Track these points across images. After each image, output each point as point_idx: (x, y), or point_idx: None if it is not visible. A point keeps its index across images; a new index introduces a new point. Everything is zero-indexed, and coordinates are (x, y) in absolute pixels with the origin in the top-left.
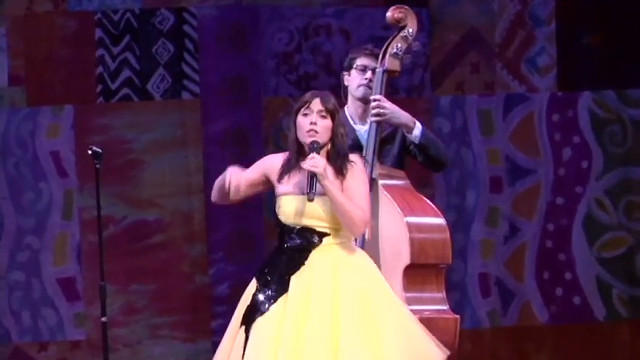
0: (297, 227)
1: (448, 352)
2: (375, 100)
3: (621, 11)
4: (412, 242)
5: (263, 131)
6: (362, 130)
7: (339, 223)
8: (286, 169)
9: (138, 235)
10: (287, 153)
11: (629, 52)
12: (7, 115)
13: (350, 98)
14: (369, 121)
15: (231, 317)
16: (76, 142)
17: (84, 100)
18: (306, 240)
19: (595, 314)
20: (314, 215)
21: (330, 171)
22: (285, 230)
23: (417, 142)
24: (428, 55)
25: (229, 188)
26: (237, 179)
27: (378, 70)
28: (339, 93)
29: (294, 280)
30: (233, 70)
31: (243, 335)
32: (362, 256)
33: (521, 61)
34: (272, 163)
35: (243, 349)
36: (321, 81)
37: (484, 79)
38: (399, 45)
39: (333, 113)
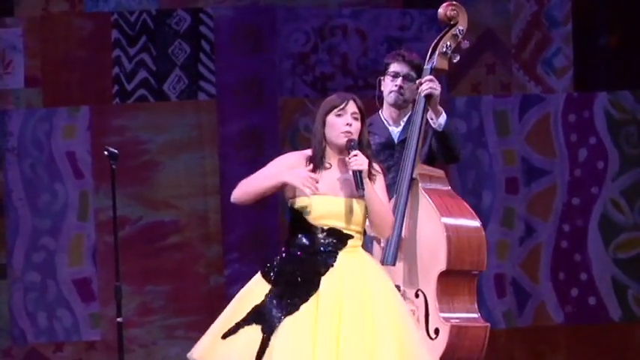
0: (325, 228)
1: None
2: (427, 81)
3: (637, 12)
4: (449, 248)
5: (279, 132)
6: (395, 131)
7: (361, 227)
8: (314, 167)
9: (153, 236)
10: (304, 152)
11: None
12: (23, 116)
13: (385, 103)
14: (402, 123)
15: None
16: (92, 143)
17: (100, 101)
18: (334, 241)
19: (610, 315)
20: (343, 217)
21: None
22: (309, 229)
23: (440, 129)
24: None
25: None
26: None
27: (426, 67)
28: (355, 93)
29: (325, 280)
30: (249, 70)
31: (259, 334)
32: (376, 262)
33: (537, 62)
34: (294, 162)
35: (260, 346)
36: (337, 82)
37: (500, 79)
38: (449, 43)
39: (364, 116)
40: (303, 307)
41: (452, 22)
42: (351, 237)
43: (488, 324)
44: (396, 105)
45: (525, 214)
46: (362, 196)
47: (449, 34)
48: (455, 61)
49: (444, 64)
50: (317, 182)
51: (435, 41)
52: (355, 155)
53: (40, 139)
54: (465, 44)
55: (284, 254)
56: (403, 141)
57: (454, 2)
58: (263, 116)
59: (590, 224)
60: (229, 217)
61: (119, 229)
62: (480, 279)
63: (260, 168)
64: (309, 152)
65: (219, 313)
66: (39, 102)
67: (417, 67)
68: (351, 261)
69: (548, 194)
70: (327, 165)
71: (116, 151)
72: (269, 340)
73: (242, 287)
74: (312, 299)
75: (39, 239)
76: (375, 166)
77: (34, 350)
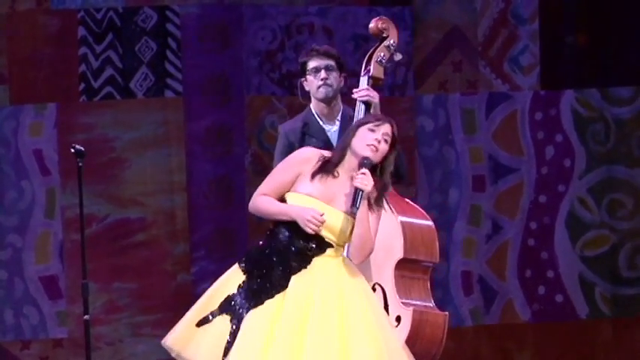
0: (308, 233)
1: None
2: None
3: (604, 10)
4: (405, 237)
5: (246, 129)
6: (332, 129)
7: (343, 242)
8: (322, 170)
9: (120, 233)
10: (321, 152)
11: (612, 51)
12: None
13: (314, 101)
14: (337, 122)
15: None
16: (58, 141)
17: (67, 98)
18: (313, 245)
19: (577, 312)
20: (329, 227)
21: (349, 191)
22: (294, 225)
23: None
24: (411, 54)
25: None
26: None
27: (363, 77)
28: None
29: (295, 279)
30: (216, 68)
31: (228, 324)
32: (358, 271)
33: (504, 59)
34: (307, 159)
35: (229, 336)
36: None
37: (467, 77)
38: (383, 54)
39: (394, 143)
40: (268, 302)
41: (384, 35)
42: (330, 246)
43: (447, 313)
44: (327, 99)
45: (492, 212)
46: (353, 215)
47: (382, 46)
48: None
49: (380, 73)
50: (322, 223)
51: (370, 52)
52: (363, 174)
53: (7, 137)
54: (398, 57)
55: (262, 246)
56: None
57: (383, 17)
58: (230, 114)
59: (557, 222)
60: (196, 214)
61: (86, 227)
62: (447, 276)
63: (227, 165)
64: (327, 153)
65: (186, 311)
66: (5, 99)
67: (334, 56)
68: (326, 265)
69: (515, 192)
70: (336, 173)
71: (83, 148)
72: (238, 331)
73: (209, 285)
74: (278, 296)
75: (5, 237)
76: (385, 200)
77: (0, 348)
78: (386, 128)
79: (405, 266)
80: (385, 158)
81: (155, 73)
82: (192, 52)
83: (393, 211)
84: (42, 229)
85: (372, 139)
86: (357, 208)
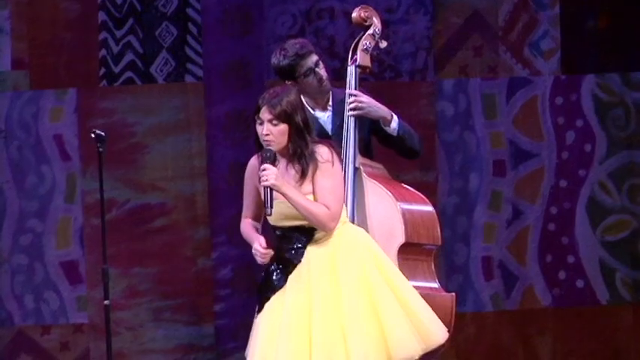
0: (285, 228)
1: (447, 334)
2: (351, 95)
3: None
4: (406, 222)
5: None
6: (324, 116)
7: None
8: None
9: (141, 218)
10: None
11: (633, 36)
12: (10, 98)
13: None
14: (329, 108)
15: (233, 300)
16: (79, 126)
17: (87, 83)
18: (301, 237)
19: (598, 297)
20: (296, 217)
21: (292, 173)
22: (275, 231)
23: (395, 134)
24: (431, 39)
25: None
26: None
27: (350, 66)
28: (343, 76)
29: (292, 277)
30: (236, 53)
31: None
32: (358, 235)
33: (524, 44)
34: (253, 171)
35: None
36: (324, 64)
37: (487, 62)
38: (368, 42)
39: (286, 116)
40: (267, 305)
41: (367, 23)
42: (316, 229)
43: (454, 294)
44: (326, 91)
45: (512, 197)
46: (270, 214)
47: (367, 34)
48: (378, 60)
49: (366, 61)
50: (265, 255)
51: (355, 42)
52: (264, 170)
53: (27, 122)
54: (383, 44)
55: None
56: (337, 132)
57: (365, 6)
58: (250, 99)
59: (578, 207)
60: (217, 199)
61: (106, 212)
62: (468, 261)
63: (247, 150)
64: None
65: (207, 296)
66: (26, 84)
67: (312, 50)
68: (319, 253)
69: (536, 177)
70: (277, 163)
71: (103, 133)
72: None
73: (230, 270)
74: (277, 297)
75: (26, 221)
76: (320, 154)
77: (21, 332)
78: (265, 115)
79: (407, 250)
80: (290, 134)
81: (176, 58)
82: (213, 37)
83: (391, 197)
84: (62, 214)
85: (261, 135)
86: (271, 207)
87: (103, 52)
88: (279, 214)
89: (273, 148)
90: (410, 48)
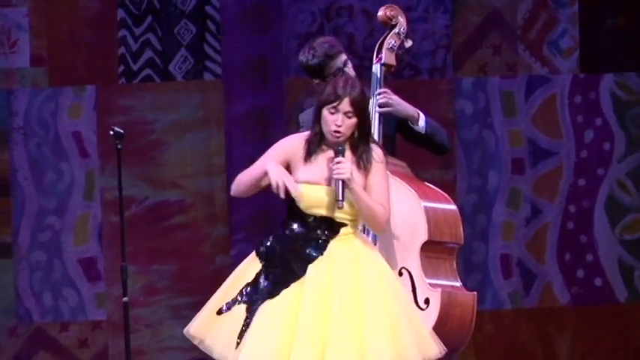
0: (317, 216)
1: (443, 350)
2: (381, 92)
3: None
4: (429, 219)
5: (285, 112)
6: None
7: (356, 215)
8: (307, 155)
9: (159, 215)
10: (306, 134)
11: None
12: (29, 95)
13: None
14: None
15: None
16: (97, 123)
17: (106, 80)
18: (326, 230)
19: (616, 296)
20: (334, 207)
21: (353, 167)
22: (302, 217)
23: (423, 132)
24: (450, 37)
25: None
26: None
27: (376, 64)
28: (361, 73)
29: (312, 268)
30: (255, 51)
31: (244, 314)
32: (371, 245)
33: (543, 42)
34: (293, 147)
35: (243, 326)
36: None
37: (506, 60)
38: (394, 41)
39: (360, 111)
40: (284, 292)
41: (392, 22)
42: (344, 225)
43: (475, 292)
44: None
45: (531, 195)
46: (341, 208)
47: (392, 33)
48: (401, 59)
49: (391, 59)
50: (294, 191)
51: (380, 40)
52: (339, 162)
53: (46, 119)
54: (408, 43)
55: (279, 235)
56: None
57: (391, 5)
58: (269, 96)
59: (597, 205)
60: (235, 197)
61: (125, 209)
62: (486, 259)
63: (266, 148)
64: (305, 135)
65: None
66: (45, 81)
67: (341, 49)
68: (343, 249)
69: (555, 175)
70: (324, 148)
71: (122, 130)
72: (250, 321)
73: None
74: (295, 286)
75: (44, 218)
76: (377, 153)
77: (39, 329)
78: (344, 105)
79: (430, 248)
80: (358, 127)
81: (194, 56)
82: (232, 34)
83: (414, 195)
84: (81, 211)
85: (333, 125)
86: (343, 200)
87: (122, 49)
88: (315, 200)
89: (340, 140)
90: (429, 46)
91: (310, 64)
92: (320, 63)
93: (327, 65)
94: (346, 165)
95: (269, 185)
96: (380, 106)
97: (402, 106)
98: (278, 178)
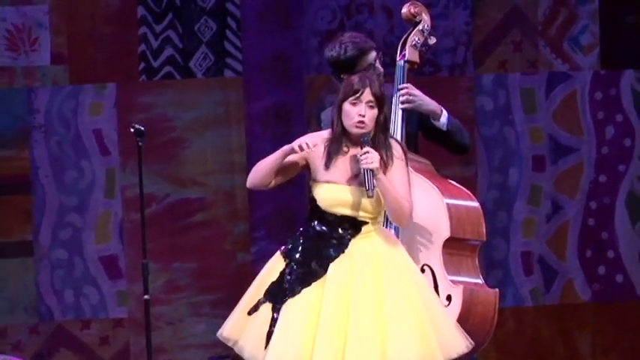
0: (337, 215)
1: (471, 344)
2: (403, 88)
3: None
4: (451, 216)
5: (306, 109)
6: None
7: (375, 213)
8: (329, 154)
9: (180, 213)
10: (325, 133)
11: None
12: (49, 93)
13: None
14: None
15: None
16: (118, 120)
17: (126, 78)
18: (346, 229)
19: (638, 292)
20: (358, 207)
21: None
22: (323, 216)
23: (444, 129)
24: (470, 34)
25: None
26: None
27: (399, 61)
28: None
29: (334, 267)
30: (276, 47)
31: (270, 313)
32: (395, 240)
33: (564, 39)
34: (314, 144)
35: (269, 325)
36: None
37: (527, 57)
38: (418, 38)
39: (382, 102)
40: (305, 291)
41: (417, 19)
42: (365, 223)
43: (497, 290)
44: None
45: (552, 192)
46: (371, 197)
47: (416, 30)
48: (425, 56)
49: (415, 57)
50: (312, 146)
51: (404, 37)
52: (366, 152)
53: (66, 117)
54: (432, 40)
55: (301, 234)
56: None
57: (415, 2)
58: (290, 94)
59: (617, 202)
60: (256, 194)
61: (146, 207)
62: (507, 256)
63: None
64: (325, 134)
65: (246, 291)
66: (65, 79)
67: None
68: (364, 247)
69: (575, 172)
70: (345, 149)
71: (142, 128)
72: (276, 321)
73: None
74: (317, 284)
75: (65, 216)
76: (396, 149)
77: (60, 327)
78: (366, 95)
79: (452, 245)
80: (377, 120)
81: (215, 53)
82: (252, 31)
83: (437, 192)
84: (102, 208)
85: (356, 116)
86: (372, 190)
87: (143, 46)
88: (335, 199)
89: (364, 131)
90: (449, 43)
91: (342, 58)
92: (353, 57)
93: (361, 60)
94: (374, 155)
95: (286, 181)
96: (403, 102)
97: (425, 102)
98: (294, 143)
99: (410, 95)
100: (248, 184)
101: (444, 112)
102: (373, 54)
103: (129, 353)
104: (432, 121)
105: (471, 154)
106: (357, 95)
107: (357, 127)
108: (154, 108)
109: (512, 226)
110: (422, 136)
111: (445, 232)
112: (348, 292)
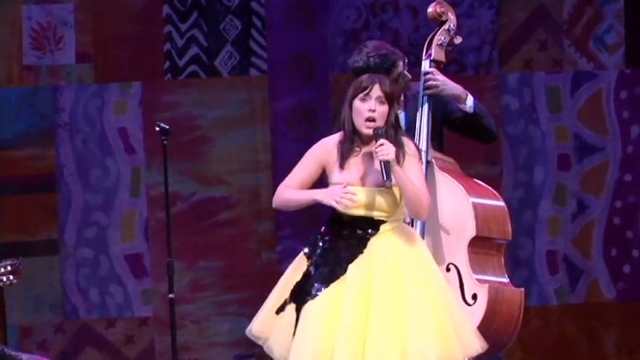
0: (354, 215)
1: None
2: (427, 73)
3: None
4: (477, 215)
5: (330, 108)
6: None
7: (392, 211)
8: (342, 154)
9: (205, 212)
10: (333, 139)
11: None
12: (75, 91)
13: None
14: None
15: None
16: (143, 119)
17: (151, 76)
18: (364, 229)
19: None
20: (373, 206)
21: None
22: (341, 217)
23: (471, 111)
24: (496, 32)
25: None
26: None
27: (425, 60)
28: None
29: (353, 267)
30: (300, 46)
31: (294, 314)
32: (416, 238)
33: (589, 38)
34: (326, 152)
35: (293, 326)
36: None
37: (552, 56)
38: (444, 37)
39: (392, 98)
40: (325, 291)
41: (442, 19)
42: (383, 222)
43: (523, 289)
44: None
45: (577, 191)
46: (390, 187)
47: (442, 30)
48: (451, 55)
49: (441, 56)
50: (354, 195)
51: (430, 36)
52: (381, 145)
53: (92, 115)
54: (458, 40)
55: (321, 234)
56: (409, 128)
57: (441, 1)
58: (315, 92)
59: None
60: None
61: (171, 205)
62: (533, 255)
63: (312, 144)
64: (337, 137)
65: (271, 290)
66: (90, 78)
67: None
68: (383, 246)
69: (601, 171)
70: (357, 149)
71: (167, 126)
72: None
73: None
74: (336, 285)
75: (91, 215)
76: (408, 147)
77: (86, 326)
78: (375, 91)
79: (478, 244)
80: (388, 117)
81: (240, 52)
82: (277, 30)
83: (463, 191)
84: (127, 207)
85: (366, 112)
86: (391, 181)
87: (168, 45)
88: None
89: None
90: (475, 42)
91: (372, 66)
92: (383, 67)
93: (389, 73)
94: (389, 146)
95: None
96: (427, 88)
97: (449, 86)
98: (331, 198)
99: (433, 80)
100: (274, 205)
101: (469, 96)
102: (400, 64)
103: (154, 352)
104: (458, 104)
105: (496, 153)
106: (367, 91)
107: (367, 126)
108: (179, 107)
109: (538, 224)
110: (447, 129)
111: (471, 231)
112: (368, 291)
